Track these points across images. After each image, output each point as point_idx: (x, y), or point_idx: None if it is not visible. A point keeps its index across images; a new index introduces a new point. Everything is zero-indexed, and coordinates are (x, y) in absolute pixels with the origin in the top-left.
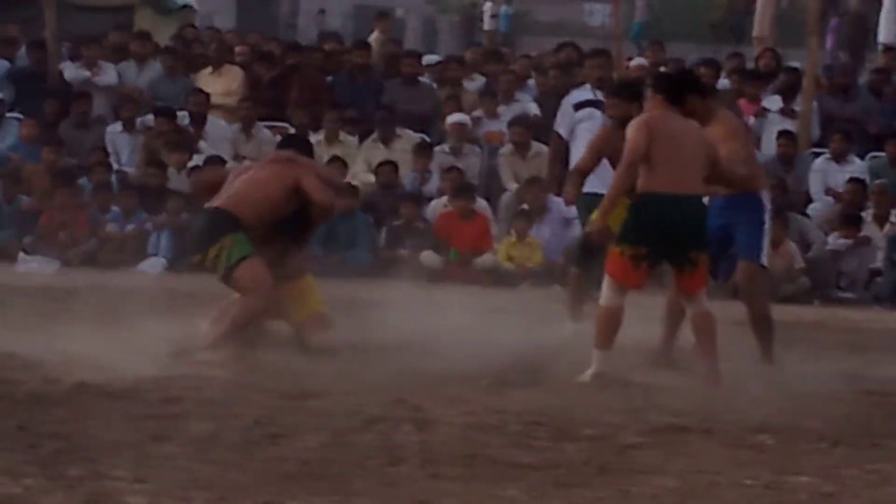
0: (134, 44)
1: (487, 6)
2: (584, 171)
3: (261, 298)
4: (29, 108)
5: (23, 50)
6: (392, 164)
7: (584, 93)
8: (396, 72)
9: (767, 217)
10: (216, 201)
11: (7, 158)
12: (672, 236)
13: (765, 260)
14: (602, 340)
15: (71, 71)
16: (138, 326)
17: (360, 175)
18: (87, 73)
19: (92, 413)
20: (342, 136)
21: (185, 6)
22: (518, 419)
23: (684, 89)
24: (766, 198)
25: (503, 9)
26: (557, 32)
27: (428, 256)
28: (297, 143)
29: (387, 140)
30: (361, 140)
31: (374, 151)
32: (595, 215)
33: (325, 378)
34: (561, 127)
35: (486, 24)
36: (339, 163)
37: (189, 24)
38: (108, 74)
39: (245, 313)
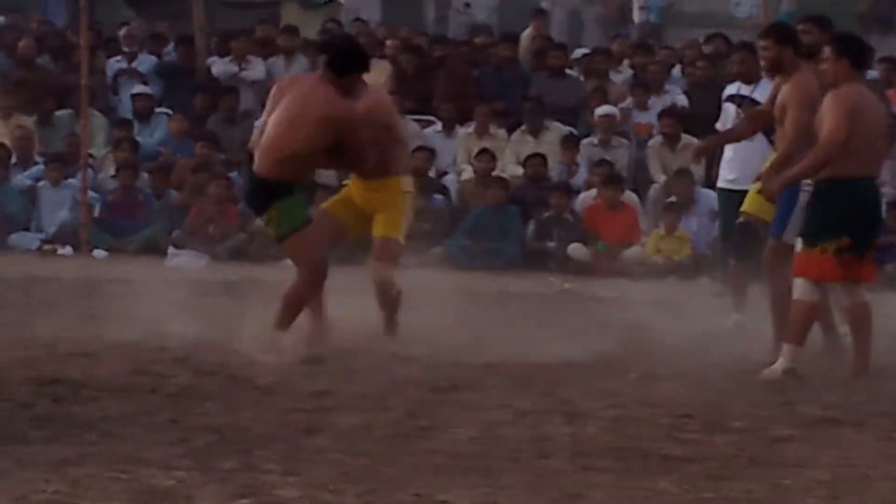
0: (281, 38)
1: None
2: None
3: (311, 275)
4: (177, 104)
5: (171, 45)
6: (541, 157)
7: (733, 87)
8: (544, 64)
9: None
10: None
11: (157, 153)
12: (876, 223)
13: (788, 237)
14: (796, 336)
15: (219, 66)
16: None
17: (509, 167)
18: (234, 68)
19: (243, 406)
20: (492, 128)
21: (330, 0)
22: (668, 412)
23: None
24: None
25: (653, 0)
26: (705, 24)
27: (576, 248)
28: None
29: (535, 132)
30: (510, 133)
31: (523, 144)
32: (750, 203)
33: (474, 371)
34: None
35: (636, 16)
36: (488, 155)
37: (333, 19)
38: (256, 69)
39: (296, 294)
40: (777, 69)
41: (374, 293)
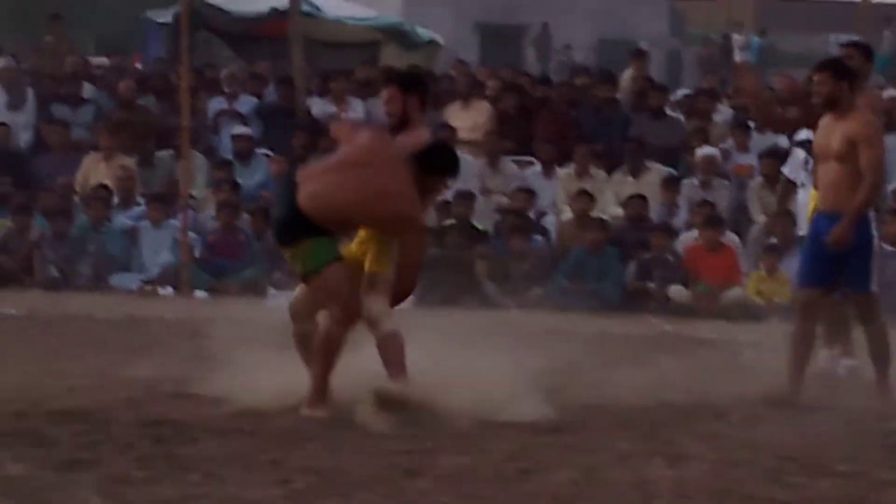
0: (381, 79)
1: (736, 38)
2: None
3: (344, 313)
4: (277, 144)
5: (271, 86)
6: (641, 198)
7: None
8: (644, 105)
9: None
10: (302, 193)
11: (257, 194)
12: None
13: (874, 286)
14: None
15: (319, 106)
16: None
17: (609, 208)
18: (334, 109)
19: (344, 448)
20: (592, 169)
21: (430, 41)
22: (771, 454)
23: None
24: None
25: (755, 40)
26: (803, 63)
27: (676, 290)
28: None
29: (636, 173)
30: (609, 174)
31: (623, 185)
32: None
33: (575, 413)
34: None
35: (737, 56)
36: (587, 196)
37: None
38: (356, 110)
39: (328, 338)
40: (832, 105)
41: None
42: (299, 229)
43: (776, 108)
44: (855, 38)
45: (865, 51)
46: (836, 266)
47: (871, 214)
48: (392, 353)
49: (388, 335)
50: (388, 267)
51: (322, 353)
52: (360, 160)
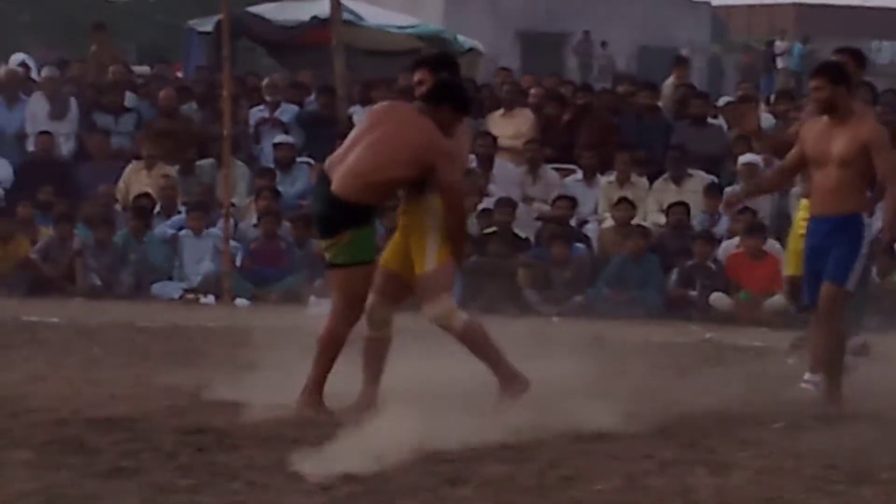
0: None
1: (778, 44)
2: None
3: (348, 312)
4: (318, 153)
5: (312, 95)
6: (683, 205)
7: None
8: (686, 113)
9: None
10: (335, 180)
11: (298, 203)
12: None
13: (850, 285)
14: None
15: (360, 115)
16: (415, 368)
17: (651, 215)
18: None
19: (387, 455)
20: (633, 177)
21: (470, 49)
22: (813, 462)
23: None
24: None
25: (797, 47)
26: None
27: (718, 298)
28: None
29: (678, 180)
30: (651, 181)
31: (665, 192)
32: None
33: (617, 420)
34: None
35: (779, 62)
36: (628, 204)
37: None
38: None
39: (331, 333)
40: (831, 109)
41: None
42: (340, 220)
43: (780, 180)
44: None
45: (858, 57)
46: None
47: (868, 219)
48: (478, 344)
49: (466, 329)
50: (432, 262)
51: (325, 353)
52: (375, 121)
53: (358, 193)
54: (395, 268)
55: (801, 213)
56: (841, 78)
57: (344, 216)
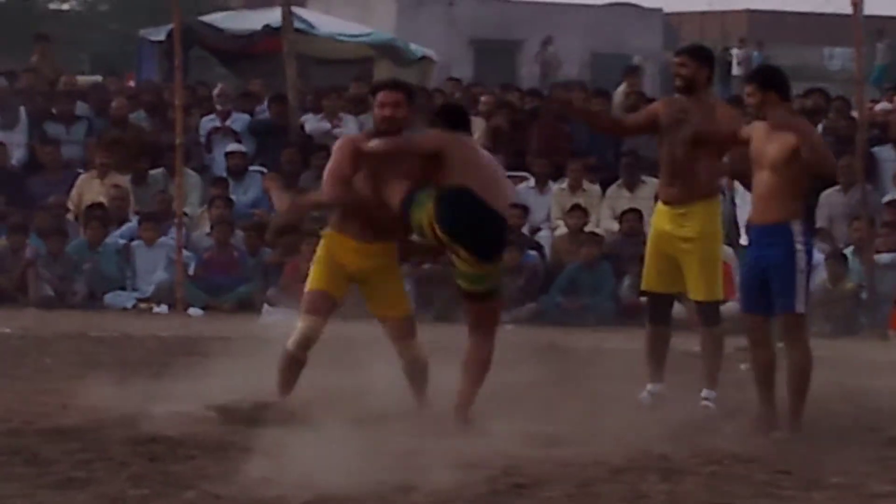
0: (382, 85)
1: (735, 52)
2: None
3: (494, 339)
4: (270, 161)
5: (264, 104)
6: (636, 212)
7: None
8: None
9: (802, 253)
10: (495, 202)
11: (251, 211)
12: None
13: (800, 306)
14: None
15: (312, 123)
16: (378, 376)
17: (605, 222)
18: (327, 125)
19: (336, 465)
20: (585, 184)
21: (423, 57)
22: (765, 468)
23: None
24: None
25: (755, 54)
26: (797, 77)
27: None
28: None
29: (631, 187)
30: (603, 188)
31: (619, 199)
32: None
33: (569, 427)
34: None
35: (735, 70)
36: (580, 211)
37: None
38: (349, 126)
39: (489, 356)
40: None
41: (407, 369)
42: (504, 243)
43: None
44: (848, 50)
45: (698, 55)
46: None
47: (798, 227)
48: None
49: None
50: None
51: (480, 374)
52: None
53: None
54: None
55: (656, 219)
56: (770, 83)
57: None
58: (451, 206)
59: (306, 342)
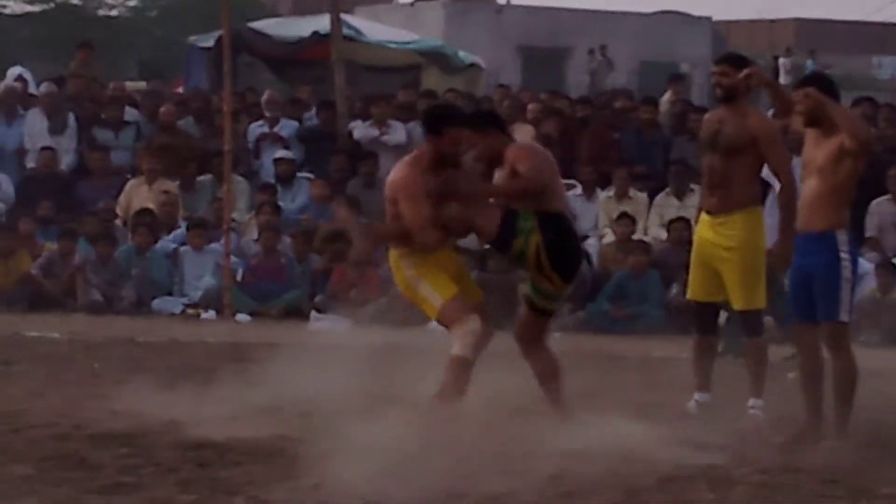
0: (422, 102)
1: (783, 61)
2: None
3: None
4: (318, 168)
5: (313, 110)
6: (685, 221)
7: None
8: (684, 128)
9: (846, 262)
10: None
11: (299, 218)
12: None
13: (844, 315)
14: None
15: (360, 130)
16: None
17: (653, 230)
18: (375, 132)
19: (388, 472)
20: (632, 192)
21: (471, 65)
22: (814, 477)
23: None
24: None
25: (808, 62)
26: (846, 85)
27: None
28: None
29: (680, 195)
30: (651, 196)
31: (667, 207)
32: None
33: (617, 435)
34: None
35: (782, 78)
36: (628, 219)
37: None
38: (397, 133)
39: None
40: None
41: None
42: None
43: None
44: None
45: (738, 63)
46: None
47: (843, 236)
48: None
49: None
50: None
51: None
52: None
53: None
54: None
55: (699, 228)
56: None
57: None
58: (559, 236)
59: (477, 342)
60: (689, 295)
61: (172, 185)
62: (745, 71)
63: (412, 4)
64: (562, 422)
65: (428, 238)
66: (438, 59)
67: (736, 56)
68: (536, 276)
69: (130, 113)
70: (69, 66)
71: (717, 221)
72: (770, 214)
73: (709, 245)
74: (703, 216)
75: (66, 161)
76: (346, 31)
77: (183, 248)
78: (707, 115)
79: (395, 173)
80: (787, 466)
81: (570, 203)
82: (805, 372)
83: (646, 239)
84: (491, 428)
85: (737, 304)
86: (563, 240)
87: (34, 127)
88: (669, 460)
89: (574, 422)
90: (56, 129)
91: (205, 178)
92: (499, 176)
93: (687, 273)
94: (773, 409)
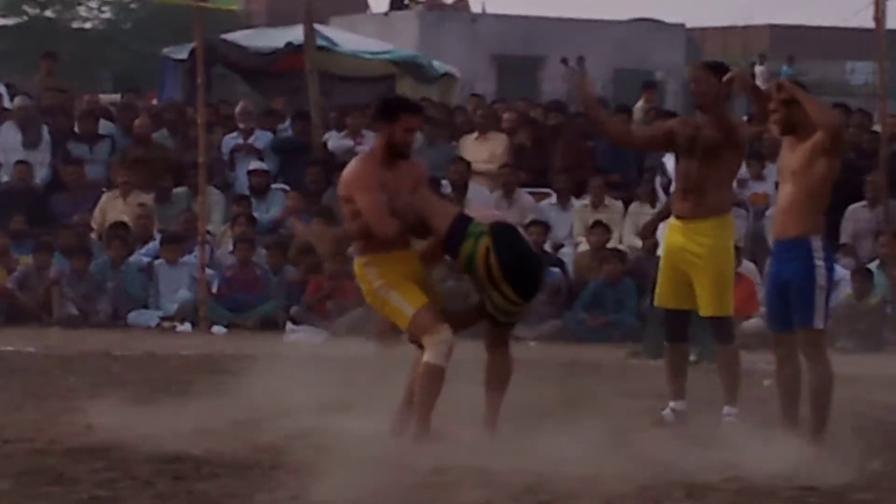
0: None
1: (759, 68)
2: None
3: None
4: (293, 179)
5: (287, 121)
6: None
7: None
8: None
9: (822, 269)
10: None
11: (274, 229)
12: None
13: (819, 322)
14: None
15: (335, 140)
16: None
17: (627, 239)
18: (350, 143)
19: (364, 481)
20: (607, 200)
21: (445, 74)
22: (790, 484)
23: None
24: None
25: (784, 68)
26: (820, 91)
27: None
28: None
29: (654, 203)
30: (626, 205)
31: (641, 215)
32: None
33: (594, 444)
34: None
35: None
36: (603, 228)
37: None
38: (371, 143)
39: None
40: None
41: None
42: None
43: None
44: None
45: (717, 70)
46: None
47: (818, 242)
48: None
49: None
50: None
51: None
52: None
53: None
54: None
55: (668, 234)
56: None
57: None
58: (510, 243)
59: (450, 351)
60: (656, 302)
61: (147, 198)
62: (728, 75)
63: (386, 14)
64: (488, 434)
65: (387, 227)
66: (413, 68)
67: (714, 63)
68: (489, 287)
69: (105, 126)
70: (37, 77)
71: (689, 227)
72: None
73: (679, 250)
74: (673, 221)
75: (40, 175)
76: (320, 41)
77: (157, 262)
78: (677, 121)
79: (347, 171)
80: (763, 473)
81: (545, 212)
82: (782, 380)
83: (621, 247)
84: (466, 438)
85: (707, 311)
86: (514, 245)
87: (8, 141)
88: (646, 469)
89: (499, 438)
90: (30, 142)
91: (180, 190)
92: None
93: None
94: (749, 416)
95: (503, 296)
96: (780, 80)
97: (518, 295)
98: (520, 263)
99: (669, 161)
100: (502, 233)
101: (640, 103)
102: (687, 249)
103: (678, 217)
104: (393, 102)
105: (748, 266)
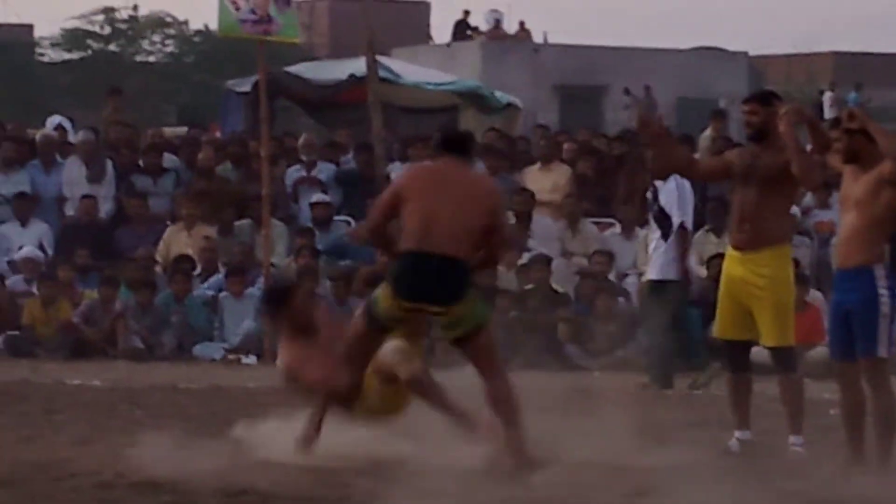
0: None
1: (827, 95)
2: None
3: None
4: (356, 211)
5: (350, 154)
6: (723, 257)
7: None
8: None
9: (885, 297)
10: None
11: (337, 252)
12: None
13: (882, 351)
14: None
15: (398, 172)
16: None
17: (692, 268)
18: None
19: None
20: None
21: (508, 104)
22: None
23: None
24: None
25: (852, 95)
26: (883, 118)
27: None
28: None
29: (718, 232)
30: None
31: (706, 244)
32: None
33: (661, 474)
34: None
35: (827, 112)
36: None
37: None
38: None
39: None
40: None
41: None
42: (465, 280)
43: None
44: None
45: (765, 100)
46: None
47: (881, 271)
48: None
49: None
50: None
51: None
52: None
53: (463, 250)
54: None
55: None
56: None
57: (465, 277)
58: (398, 277)
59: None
60: (716, 332)
61: (211, 231)
62: (783, 111)
63: (449, 45)
64: (465, 441)
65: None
66: (476, 99)
67: (764, 93)
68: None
69: (169, 159)
70: (104, 113)
71: (747, 258)
72: (666, 251)
73: (739, 282)
74: (731, 252)
75: (105, 209)
76: (382, 73)
77: (222, 294)
78: (735, 152)
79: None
80: (828, 501)
81: (609, 241)
82: (846, 408)
83: None
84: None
85: (769, 342)
86: (403, 276)
87: (73, 175)
88: (712, 500)
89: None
90: (94, 177)
91: (243, 222)
92: None
93: None
94: (815, 445)
95: (434, 313)
96: (851, 109)
97: (434, 303)
98: (412, 280)
99: (662, 189)
100: (391, 272)
101: (707, 131)
102: (746, 281)
103: (735, 248)
104: (451, 136)
105: (815, 294)
